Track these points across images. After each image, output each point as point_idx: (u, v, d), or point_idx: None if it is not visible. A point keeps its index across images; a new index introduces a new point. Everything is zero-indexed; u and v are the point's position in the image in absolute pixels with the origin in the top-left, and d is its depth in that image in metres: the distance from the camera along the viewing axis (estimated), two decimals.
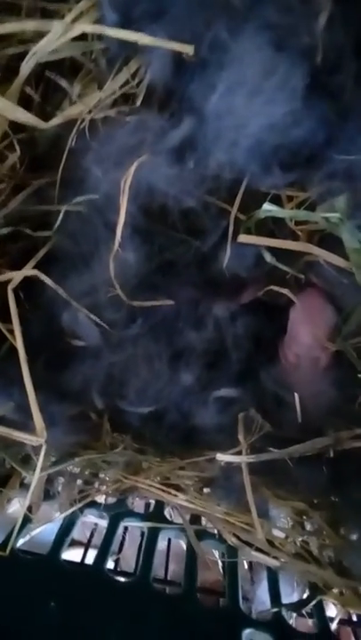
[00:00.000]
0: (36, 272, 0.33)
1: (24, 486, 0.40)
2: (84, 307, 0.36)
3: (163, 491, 0.40)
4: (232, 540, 0.39)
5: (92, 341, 0.38)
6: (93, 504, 0.40)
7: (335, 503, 0.42)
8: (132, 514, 0.40)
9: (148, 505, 0.44)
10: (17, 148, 0.35)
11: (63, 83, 0.35)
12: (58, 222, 0.35)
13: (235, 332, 0.42)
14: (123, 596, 0.32)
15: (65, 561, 0.34)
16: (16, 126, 0.36)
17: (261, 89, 0.31)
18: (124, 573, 0.36)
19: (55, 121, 0.35)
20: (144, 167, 0.33)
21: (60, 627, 0.28)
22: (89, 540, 0.45)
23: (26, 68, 0.33)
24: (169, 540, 0.42)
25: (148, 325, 0.39)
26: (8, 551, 0.31)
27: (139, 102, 0.37)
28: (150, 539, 0.37)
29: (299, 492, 0.43)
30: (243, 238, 0.37)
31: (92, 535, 0.45)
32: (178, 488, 0.42)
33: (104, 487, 0.41)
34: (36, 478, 0.32)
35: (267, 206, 0.35)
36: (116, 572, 0.37)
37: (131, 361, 0.40)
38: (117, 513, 0.39)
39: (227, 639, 0.31)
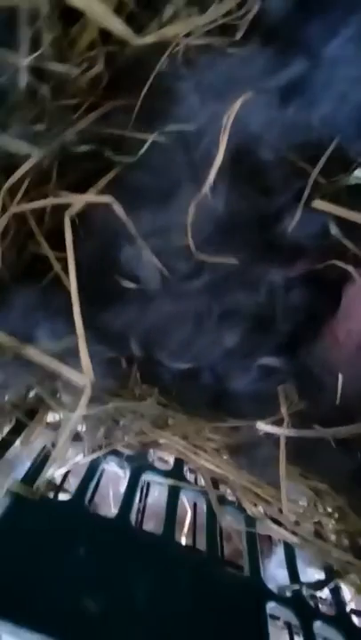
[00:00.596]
0: (109, 199, 0.30)
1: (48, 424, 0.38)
2: (150, 249, 0.33)
3: (187, 449, 0.39)
4: (252, 510, 0.38)
5: (150, 286, 0.35)
6: (115, 453, 0.38)
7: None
8: (153, 468, 0.38)
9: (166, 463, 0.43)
10: (102, 60, 0.31)
11: None
12: (143, 149, 0.32)
13: (287, 301, 0.40)
14: (148, 552, 0.30)
15: (89, 509, 0.32)
16: (104, 38, 0.32)
17: None
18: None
19: (150, 38, 0.31)
20: (243, 105, 0.30)
21: (89, 576, 0.27)
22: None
23: None
24: (194, 504, 0.40)
25: (210, 281, 0.36)
26: (35, 488, 0.29)
27: (240, 35, 0.34)
28: (172, 496, 0.36)
29: (321, 472, 0.42)
30: (318, 204, 0.34)
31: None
32: (201, 450, 0.41)
33: (127, 437, 0.39)
34: (75, 418, 0.30)
35: (359, 173, 0.32)
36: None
37: (180, 313, 0.37)
38: (139, 465, 0.37)
39: (251, 610, 0.30)
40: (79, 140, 0.32)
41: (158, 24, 0.32)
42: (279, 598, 0.31)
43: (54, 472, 0.35)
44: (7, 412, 0.37)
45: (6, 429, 0.36)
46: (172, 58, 0.33)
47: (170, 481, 0.38)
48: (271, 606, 0.30)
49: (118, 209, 0.31)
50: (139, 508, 0.39)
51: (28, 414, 0.38)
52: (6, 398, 0.37)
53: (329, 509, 0.40)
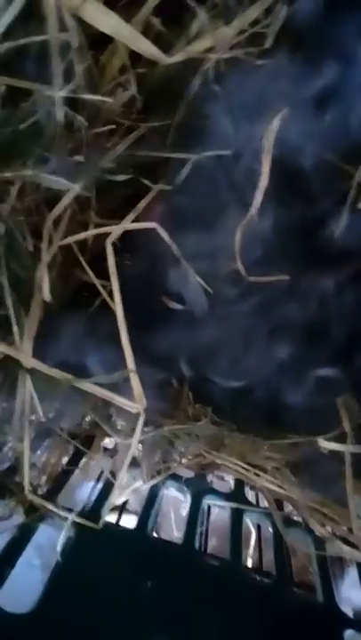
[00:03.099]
0: (155, 225, 0.30)
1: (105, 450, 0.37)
2: (196, 272, 0.32)
3: (248, 470, 0.38)
4: (320, 531, 0.36)
5: (197, 309, 0.34)
6: (174, 477, 0.37)
7: None
8: (213, 491, 0.37)
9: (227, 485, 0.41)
10: (133, 83, 0.31)
11: (199, 11, 0.30)
12: (184, 174, 0.31)
13: (339, 307, 0.38)
14: (216, 581, 0.29)
15: (154, 537, 0.31)
16: (133, 61, 0.32)
17: None
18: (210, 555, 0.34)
19: (179, 56, 0.31)
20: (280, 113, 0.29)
21: (156, 610, 0.26)
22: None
23: None
24: (258, 525, 0.39)
25: (259, 302, 0.35)
26: (101, 523, 0.28)
27: (269, 43, 0.33)
28: (236, 519, 0.35)
29: None
30: None
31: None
32: (260, 469, 0.39)
33: (185, 460, 0.38)
34: (134, 446, 0.29)
35: None
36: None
37: (229, 333, 0.36)
38: (200, 489, 0.36)
39: (327, 638, 0.28)
40: (117, 167, 0.32)
41: (186, 41, 0.31)
42: (357, 625, 0.29)
43: (116, 501, 0.35)
44: (64, 441, 0.37)
45: (65, 459, 0.35)
46: (203, 75, 0.33)
47: (232, 504, 0.36)
48: (349, 633, 0.28)
49: (162, 232, 0.31)
50: (201, 532, 0.38)
51: (85, 442, 0.37)
52: (63, 427, 0.37)
53: None
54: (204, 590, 0.29)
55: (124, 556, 0.30)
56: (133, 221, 0.33)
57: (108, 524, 0.31)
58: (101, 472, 0.37)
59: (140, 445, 0.40)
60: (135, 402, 0.31)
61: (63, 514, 0.30)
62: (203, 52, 0.32)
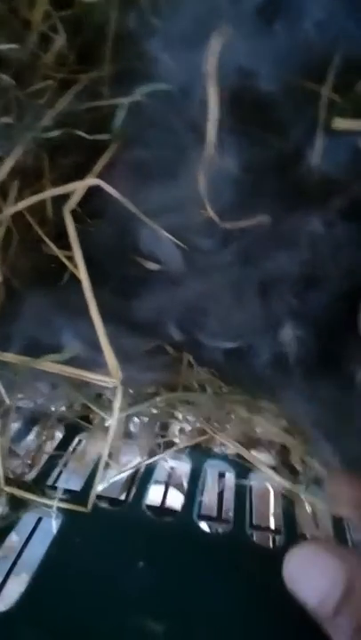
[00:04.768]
0: (97, 181, 0.27)
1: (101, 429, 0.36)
2: (166, 226, 0.29)
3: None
4: None
5: (174, 267, 0.32)
6: (171, 444, 0.35)
7: None
8: (215, 455, 0.35)
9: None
10: (61, 30, 0.28)
11: None
12: (120, 118, 0.28)
13: (334, 249, 0.34)
14: (219, 551, 0.27)
15: (149, 509, 0.29)
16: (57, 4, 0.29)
17: None
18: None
19: None
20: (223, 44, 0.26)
21: (154, 591, 0.24)
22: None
23: None
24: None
25: (241, 249, 0.32)
26: (90, 506, 0.27)
27: None
28: (241, 492, 0.32)
29: None
30: (338, 123, 0.29)
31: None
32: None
33: (183, 433, 0.36)
34: (114, 423, 0.27)
35: None
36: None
37: (214, 288, 0.33)
38: (200, 456, 0.34)
39: None
40: (56, 126, 0.29)
41: None
42: None
43: (110, 479, 0.33)
44: (55, 424, 0.35)
45: (55, 442, 0.34)
46: (137, 9, 0.29)
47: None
48: None
49: (111, 190, 0.28)
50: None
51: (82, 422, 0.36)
52: (53, 409, 0.36)
53: None
54: (205, 560, 0.27)
55: (117, 536, 0.28)
56: None
57: (100, 505, 0.29)
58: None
59: (140, 420, 0.38)
60: (111, 376, 0.29)
61: (46, 501, 0.28)
62: None
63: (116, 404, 0.29)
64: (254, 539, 0.29)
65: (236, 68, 0.28)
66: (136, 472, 0.36)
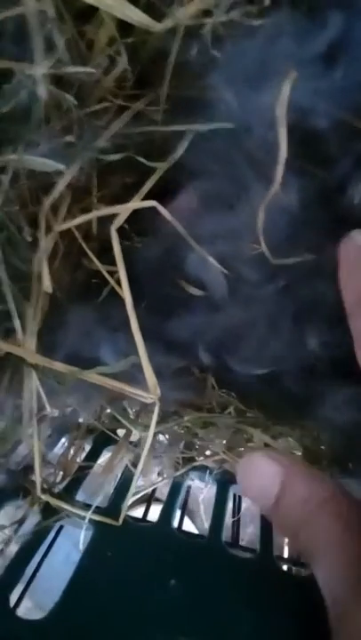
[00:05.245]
0: (153, 203, 0.28)
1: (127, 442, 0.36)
2: (215, 254, 0.30)
3: None
4: None
5: (218, 294, 0.32)
6: (196, 467, 0.36)
7: None
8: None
9: None
10: (124, 55, 0.29)
11: None
12: (181, 149, 0.29)
13: None
14: (246, 575, 0.27)
15: (178, 530, 0.30)
16: (123, 33, 0.30)
17: None
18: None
19: (169, 22, 0.28)
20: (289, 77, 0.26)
21: (185, 608, 0.24)
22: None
23: None
24: None
25: (285, 284, 0.33)
26: (121, 520, 0.27)
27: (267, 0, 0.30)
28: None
29: None
30: None
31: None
32: None
33: (208, 452, 0.36)
34: (149, 439, 0.27)
35: None
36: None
37: (252, 317, 0.34)
38: (225, 478, 0.34)
39: None
40: (113, 148, 0.30)
41: (178, 5, 0.29)
42: None
43: (138, 494, 0.33)
44: (83, 436, 0.36)
45: (84, 454, 0.34)
46: (200, 42, 0.30)
47: None
48: None
49: (164, 212, 0.29)
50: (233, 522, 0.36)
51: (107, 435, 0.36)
52: (81, 421, 0.36)
53: None
54: (234, 583, 0.27)
55: (147, 552, 0.28)
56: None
57: (129, 520, 0.29)
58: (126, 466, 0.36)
59: (164, 437, 0.38)
60: (149, 392, 0.29)
61: (80, 512, 0.28)
62: (196, 17, 0.29)
63: (154, 419, 0.29)
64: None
65: (297, 108, 0.29)
66: (154, 490, 0.36)
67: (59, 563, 0.28)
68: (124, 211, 0.31)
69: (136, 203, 0.30)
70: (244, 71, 0.29)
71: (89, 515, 0.28)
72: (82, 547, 0.27)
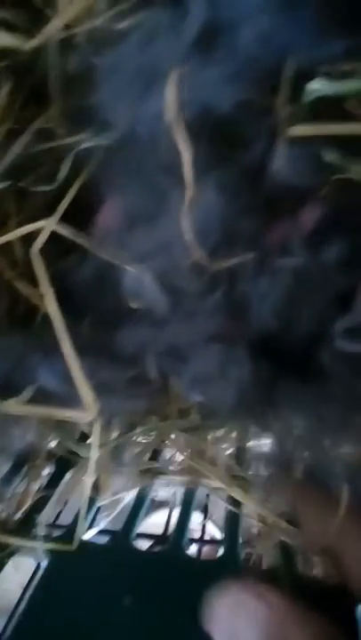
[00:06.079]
0: (51, 223, 0.27)
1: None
2: (151, 268, 0.31)
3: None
4: None
5: (159, 310, 0.31)
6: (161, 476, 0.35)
7: None
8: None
9: None
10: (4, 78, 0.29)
11: None
12: (67, 165, 0.29)
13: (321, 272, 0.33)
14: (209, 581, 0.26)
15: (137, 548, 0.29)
16: None
17: None
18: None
19: (36, 41, 0.28)
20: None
21: (138, 627, 0.23)
22: None
23: None
24: None
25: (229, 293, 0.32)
26: (75, 545, 0.26)
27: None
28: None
29: None
30: (293, 130, 0.29)
31: None
32: None
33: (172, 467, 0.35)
34: (93, 459, 0.27)
35: (314, 85, 0.27)
36: None
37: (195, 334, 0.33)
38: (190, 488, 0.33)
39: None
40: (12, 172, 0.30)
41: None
42: None
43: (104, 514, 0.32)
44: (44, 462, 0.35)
45: (42, 482, 0.34)
46: (79, 53, 0.30)
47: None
48: None
49: (63, 231, 0.28)
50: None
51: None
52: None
53: None
54: (194, 591, 0.26)
55: (103, 571, 0.27)
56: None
57: (85, 542, 0.29)
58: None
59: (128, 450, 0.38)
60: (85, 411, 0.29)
61: (31, 544, 0.28)
62: (65, 29, 0.29)
63: (95, 438, 0.28)
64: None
65: (196, 101, 0.28)
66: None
67: (11, 592, 0.27)
68: (34, 229, 0.30)
69: (37, 223, 0.29)
70: (127, 77, 0.28)
71: (40, 545, 0.28)
72: (37, 574, 0.27)
